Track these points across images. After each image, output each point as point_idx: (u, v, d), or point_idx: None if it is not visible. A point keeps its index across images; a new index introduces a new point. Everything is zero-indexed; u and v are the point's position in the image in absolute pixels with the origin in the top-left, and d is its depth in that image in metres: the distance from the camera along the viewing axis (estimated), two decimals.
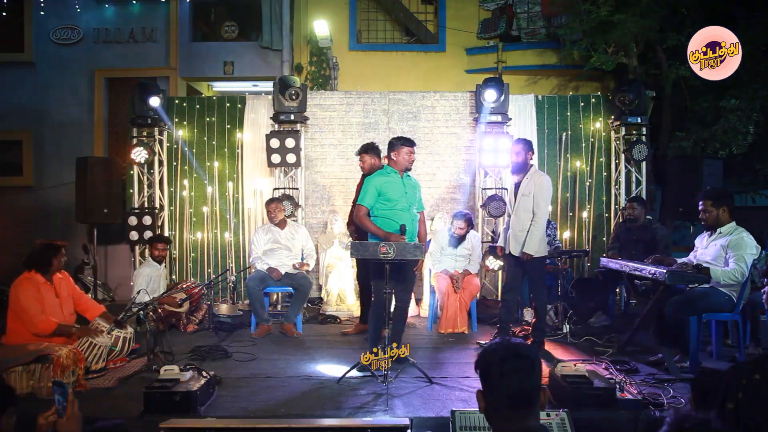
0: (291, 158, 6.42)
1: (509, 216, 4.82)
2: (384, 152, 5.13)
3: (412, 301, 6.32)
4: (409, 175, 4.48)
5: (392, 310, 4.26)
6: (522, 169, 4.68)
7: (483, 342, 4.86)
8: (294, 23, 9.31)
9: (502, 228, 5.19)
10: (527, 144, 4.73)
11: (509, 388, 1.56)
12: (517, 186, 4.72)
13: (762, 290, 4.36)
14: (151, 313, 4.30)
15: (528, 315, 5.68)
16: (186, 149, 6.92)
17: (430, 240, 5.85)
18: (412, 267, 4.40)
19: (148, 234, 6.47)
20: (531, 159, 4.73)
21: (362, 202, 4.30)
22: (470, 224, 5.60)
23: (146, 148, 6.59)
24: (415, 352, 4.39)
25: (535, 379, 1.59)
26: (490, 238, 6.62)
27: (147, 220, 6.58)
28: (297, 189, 6.74)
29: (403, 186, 4.33)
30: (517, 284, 4.87)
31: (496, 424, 1.62)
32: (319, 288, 6.65)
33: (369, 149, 5.11)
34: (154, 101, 6.58)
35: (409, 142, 4.36)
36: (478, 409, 1.71)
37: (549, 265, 5.67)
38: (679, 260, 4.46)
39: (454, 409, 2.91)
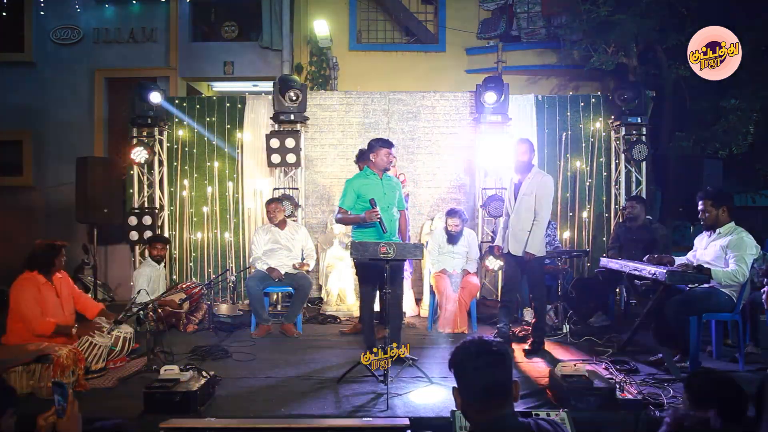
0: (291, 158, 6.42)
1: (507, 215, 4.83)
2: None
3: (413, 301, 6.34)
4: (388, 176, 4.59)
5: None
6: (526, 168, 4.70)
7: None
8: (294, 23, 9.31)
9: (500, 227, 5.19)
10: (529, 144, 4.75)
11: (483, 381, 1.65)
12: (518, 186, 4.72)
13: (762, 290, 4.36)
14: (151, 313, 4.30)
15: (528, 315, 5.67)
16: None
17: (428, 242, 5.87)
18: (400, 266, 4.48)
19: (148, 234, 6.47)
20: (533, 159, 4.76)
21: (341, 205, 4.49)
22: (463, 220, 5.62)
23: (146, 148, 6.59)
24: (415, 352, 4.39)
25: (506, 372, 1.68)
26: (490, 238, 6.62)
27: (147, 220, 6.58)
28: (297, 189, 6.74)
29: (381, 187, 4.44)
30: (516, 284, 4.88)
31: (472, 417, 1.71)
32: (319, 288, 6.65)
33: (364, 156, 5.16)
34: (155, 97, 6.59)
35: (386, 144, 4.47)
36: None
37: (549, 265, 5.67)
38: (678, 260, 4.46)
39: (454, 409, 2.91)
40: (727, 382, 1.99)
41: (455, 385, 1.73)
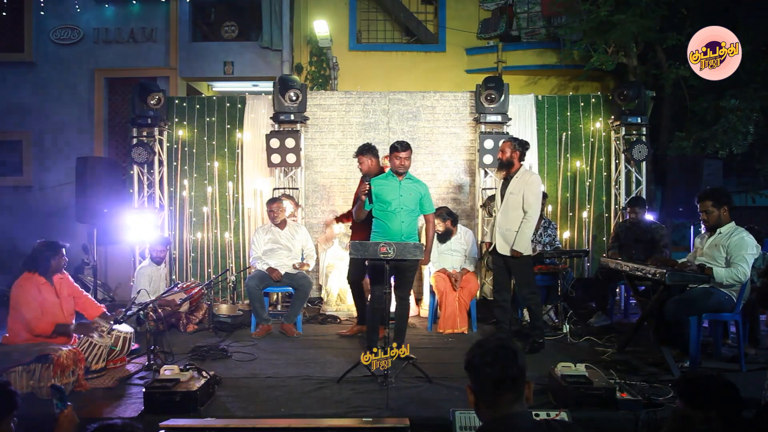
0: (291, 158, 6.42)
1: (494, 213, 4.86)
2: (383, 152, 5.24)
3: (412, 301, 6.34)
4: (413, 179, 4.65)
5: (392, 309, 4.40)
6: (505, 167, 4.73)
7: None
8: (294, 23, 9.32)
9: (491, 224, 5.20)
10: (513, 143, 4.74)
11: (493, 375, 1.68)
12: (505, 184, 4.73)
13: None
14: (151, 313, 4.30)
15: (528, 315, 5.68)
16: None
17: None
18: (410, 268, 4.51)
19: (148, 234, 6.46)
20: (518, 158, 4.71)
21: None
22: (444, 219, 5.62)
23: (146, 148, 6.59)
24: (415, 352, 4.38)
25: (516, 367, 1.70)
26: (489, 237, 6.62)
27: (147, 220, 6.57)
28: (297, 189, 6.74)
29: (399, 189, 4.52)
30: (507, 282, 4.88)
31: (483, 413, 1.73)
32: (319, 288, 6.65)
33: (364, 151, 5.13)
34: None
35: (393, 148, 4.54)
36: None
37: (549, 265, 5.67)
38: (679, 260, 4.47)
39: (454, 409, 2.91)
40: (715, 381, 1.96)
41: (468, 384, 1.76)
